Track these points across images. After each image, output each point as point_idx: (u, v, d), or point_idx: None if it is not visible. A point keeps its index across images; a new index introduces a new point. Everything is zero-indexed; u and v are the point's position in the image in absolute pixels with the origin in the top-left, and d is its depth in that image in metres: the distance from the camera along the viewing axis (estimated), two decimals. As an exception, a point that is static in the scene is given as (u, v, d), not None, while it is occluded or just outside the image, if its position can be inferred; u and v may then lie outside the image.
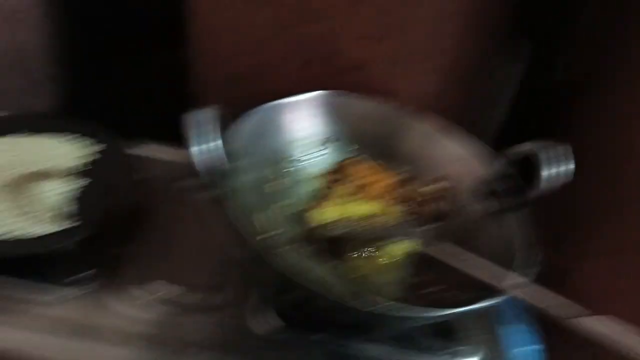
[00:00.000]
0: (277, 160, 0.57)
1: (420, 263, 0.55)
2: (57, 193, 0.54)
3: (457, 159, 0.60)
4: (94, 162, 0.59)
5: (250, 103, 0.55)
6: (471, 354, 0.52)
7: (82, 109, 0.67)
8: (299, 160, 0.59)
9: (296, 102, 0.58)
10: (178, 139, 0.72)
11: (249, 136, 0.52)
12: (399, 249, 0.55)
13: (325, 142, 0.61)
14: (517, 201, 0.50)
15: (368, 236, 0.54)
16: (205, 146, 0.41)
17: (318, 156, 0.61)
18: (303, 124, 0.59)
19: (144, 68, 0.87)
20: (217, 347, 0.47)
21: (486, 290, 0.43)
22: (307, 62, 0.67)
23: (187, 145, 0.41)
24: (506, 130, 0.71)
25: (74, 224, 0.51)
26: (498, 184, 0.53)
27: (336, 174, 0.60)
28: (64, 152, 0.59)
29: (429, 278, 0.53)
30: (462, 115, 0.64)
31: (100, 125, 0.62)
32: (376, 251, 0.54)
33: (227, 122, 0.46)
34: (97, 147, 0.60)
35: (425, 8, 0.62)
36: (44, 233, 0.50)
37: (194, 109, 0.43)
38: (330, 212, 0.56)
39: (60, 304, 0.48)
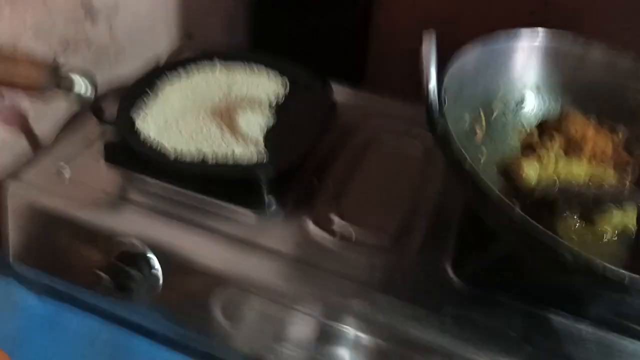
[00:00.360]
0: (489, 104, 0.52)
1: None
2: (260, 122, 0.56)
3: None
4: (291, 97, 0.60)
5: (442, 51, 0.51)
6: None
7: (270, 49, 0.69)
8: (511, 107, 0.53)
9: (514, 37, 0.51)
10: (360, 83, 0.72)
11: (464, 73, 0.47)
12: (618, 221, 0.47)
13: (538, 91, 0.54)
14: None
15: (589, 199, 0.46)
16: (435, 71, 0.38)
17: (531, 106, 0.54)
18: (518, 66, 0.53)
19: (328, 16, 0.87)
20: (408, 295, 0.45)
21: None
22: (521, 7, 0.60)
23: (424, 72, 0.38)
24: None
25: (275, 152, 0.53)
26: None
27: (549, 128, 0.53)
28: (268, 86, 0.61)
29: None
30: None
31: (298, 64, 0.63)
32: (591, 220, 0.47)
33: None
34: (297, 84, 0.61)
35: None
36: (249, 157, 0.52)
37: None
38: (539, 170, 0.50)
39: (262, 222, 0.50)
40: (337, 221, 0.51)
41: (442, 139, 0.40)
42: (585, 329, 0.44)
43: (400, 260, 0.48)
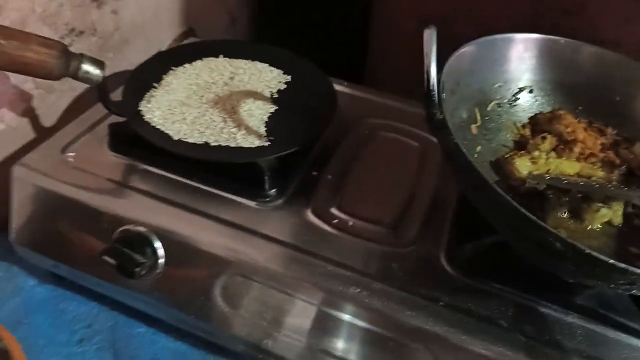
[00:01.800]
0: (483, 101, 0.54)
1: (630, 235, 0.49)
2: (262, 112, 0.57)
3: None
4: (293, 89, 0.62)
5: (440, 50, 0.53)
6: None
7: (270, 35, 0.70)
8: (504, 104, 0.55)
9: (508, 40, 0.53)
10: (359, 81, 0.74)
11: (460, 71, 0.49)
12: (605, 215, 0.49)
13: (531, 90, 0.56)
14: None
15: (577, 196, 0.48)
16: (435, 66, 0.40)
17: (524, 103, 0.56)
18: (512, 66, 0.55)
19: (330, 15, 0.89)
20: (403, 284, 0.46)
21: None
22: (516, 4, 0.62)
23: (425, 66, 0.40)
24: None
25: (277, 142, 0.54)
26: None
27: (541, 127, 0.55)
28: (270, 77, 0.62)
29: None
30: None
31: (299, 56, 0.65)
32: (580, 216, 0.49)
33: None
34: (298, 76, 0.63)
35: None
36: (251, 145, 0.53)
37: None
38: (531, 166, 0.52)
39: (262, 209, 0.52)
40: (335, 212, 0.53)
41: (440, 131, 0.42)
42: (573, 320, 0.46)
43: (396, 250, 0.49)
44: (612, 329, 0.45)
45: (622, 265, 0.34)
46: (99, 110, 0.57)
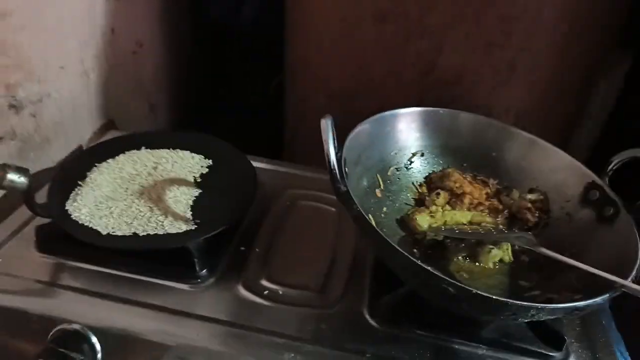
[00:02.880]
0: (383, 167, 0.62)
1: (519, 270, 0.57)
2: (187, 198, 0.61)
3: (554, 169, 0.62)
4: (215, 172, 0.66)
5: (347, 121, 0.61)
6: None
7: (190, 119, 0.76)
8: (401, 169, 0.63)
9: (396, 115, 0.63)
10: (277, 156, 0.80)
11: (360, 145, 0.57)
12: (496, 255, 0.57)
13: (423, 153, 0.65)
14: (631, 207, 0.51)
15: (473, 240, 0.56)
16: (333, 149, 0.47)
17: (418, 166, 0.65)
18: (403, 136, 0.64)
19: (245, 95, 0.96)
20: (332, 342, 0.51)
21: (597, 290, 0.44)
22: (407, 79, 0.72)
23: (325, 151, 0.46)
24: (602, 144, 0.72)
25: (204, 224, 0.58)
26: (605, 191, 0.55)
27: (435, 183, 0.64)
28: (192, 162, 0.67)
29: (531, 285, 0.56)
30: (558, 129, 0.66)
31: (218, 139, 0.71)
32: (476, 258, 0.57)
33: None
34: (219, 158, 0.68)
35: (525, 23, 0.65)
36: (179, 231, 0.57)
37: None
38: (430, 220, 0.59)
39: (195, 291, 0.54)
40: (265, 283, 0.57)
41: (346, 201, 0.48)
42: (483, 352, 0.52)
43: (323, 312, 0.54)
44: (516, 355, 0.52)
45: (503, 299, 0.42)
46: (24, 212, 0.59)
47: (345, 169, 0.52)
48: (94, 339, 0.50)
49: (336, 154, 0.49)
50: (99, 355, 0.50)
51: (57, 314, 0.51)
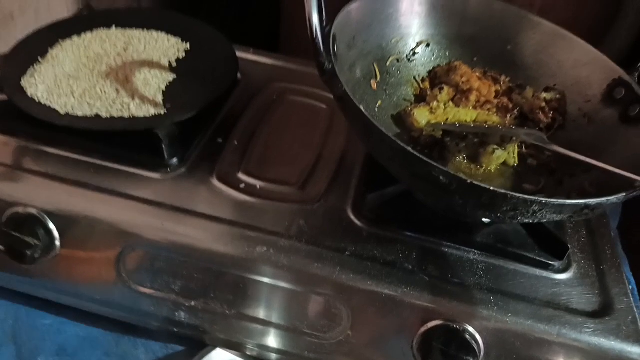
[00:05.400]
0: (382, 56, 0.54)
1: (524, 174, 0.51)
2: (159, 82, 0.55)
3: (576, 65, 0.54)
4: (192, 57, 0.59)
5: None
6: (565, 269, 0.48)
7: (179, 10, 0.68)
8: (402, 60, 0.56)
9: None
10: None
11: (355, 25, 0.49)
12: (500, 157, 0.51)
13: (429, 43, 0.57)
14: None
15: (475, 139, 0.50)
16: (318, 15, 0.39)
17: (422, 58, 0.57)
18: (407, 21, 0.55)
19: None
20: (310, 238, 0.46)
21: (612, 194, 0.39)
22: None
23: (308, 7, 0.39)
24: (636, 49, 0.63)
25: (174, 109, 0.52)
26: (633, 88, 0.47)
27: (439, 78, 0.56)
28: (167, 45, 0.60)
29: (536, 189, 0.50)
30: (587, 30, 0.57)
31: (200, 22, 0.63)
32: (477, 159, 0.51)
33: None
34: (198, 43, 0.61)
35: None
36: (147, 115, 0.51)
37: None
38: (430, 116, 0.53)
39: (163, 179, 0.50)
40: (242, 177, 0.52)
41: (331, 80, 0.42)
42: (474, 257, 0.47)
43: (303, 207, 0.49)
44: (511, 261, 0.47)
45: (501, 190, 0.36)
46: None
47: (334, 47, 0.45)
48: (51, 225, 0.46)
49: (322, 25, 0.42)
50: (57, 242, 0.47)
51: (11, 197, 0.46)
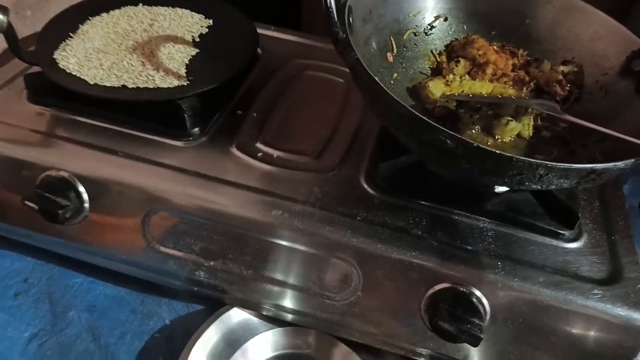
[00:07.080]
0: (399, 30, 0.55)
1: (538, 146, 0.52)
2: (183, 56, 0.57)
3: (595, 37, 0.54)
4: (215, 32, 0.62)
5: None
6: (575, 238, 0.48)
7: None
8: (420, 33, 0.57)
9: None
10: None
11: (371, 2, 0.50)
12: (514, 128, 0.52)
13: (447, 17, 0.58)
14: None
15: (490, 111, 0.51)
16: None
17: (439, 32, 0.57)
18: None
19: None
20: (324, 204, 0.48)
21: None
22: None
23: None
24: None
25: (197, 81, 0.54)
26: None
27: (456, 52, 0.57)
28: (191, 21, 0.62)
29: (548, 159, 0.50)
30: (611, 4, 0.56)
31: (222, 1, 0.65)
32: (491, 131, 0.52)
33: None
34: (221, 20, 0.63)
35: None
36: (170, 86, 0.53)
37: None
38: (445, 88, 0.54)
39: (186, 148, 0.52)
40: (260, 146, 0.54)
41: (344, 50, 0.43)
42: (484, 224, 0.48)
43: (318, 176, 0.51)
44: (520, 229, 0.48)
45: (507, 154, 0.37)
46: (17, 63, 0.56)
47: (349, 19, 0.46)
48: (81, 188, 0.50)
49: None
50: (86, 205, 0.50)
51: (45, 162, 0.50)
